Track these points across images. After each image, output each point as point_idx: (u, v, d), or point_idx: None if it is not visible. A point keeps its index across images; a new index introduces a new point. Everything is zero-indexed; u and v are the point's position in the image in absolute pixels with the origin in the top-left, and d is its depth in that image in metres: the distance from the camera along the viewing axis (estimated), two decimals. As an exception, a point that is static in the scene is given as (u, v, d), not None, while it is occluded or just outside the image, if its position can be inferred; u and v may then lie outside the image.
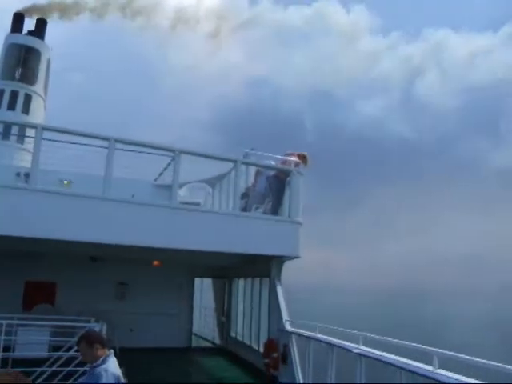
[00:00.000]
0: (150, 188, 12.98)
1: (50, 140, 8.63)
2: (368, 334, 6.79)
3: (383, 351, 6.14)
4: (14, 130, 15.42)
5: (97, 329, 7.67)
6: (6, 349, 8.64)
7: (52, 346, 9.41)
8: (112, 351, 4.09)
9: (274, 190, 9.78)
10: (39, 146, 7.83)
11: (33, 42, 16.70)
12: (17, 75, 16.64)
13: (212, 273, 14.99)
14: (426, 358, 5.18)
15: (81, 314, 9.60)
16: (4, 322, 8.07)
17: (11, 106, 16.48)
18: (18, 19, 18.76)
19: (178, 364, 11.82)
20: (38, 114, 16.09)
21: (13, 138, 15.74)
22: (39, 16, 20.53)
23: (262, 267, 10.37)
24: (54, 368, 7.28)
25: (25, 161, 11.08)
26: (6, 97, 16.73)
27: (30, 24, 19.26)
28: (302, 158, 9.83)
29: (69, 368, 7.20)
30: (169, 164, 11.15)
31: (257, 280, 11.35)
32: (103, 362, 3.90)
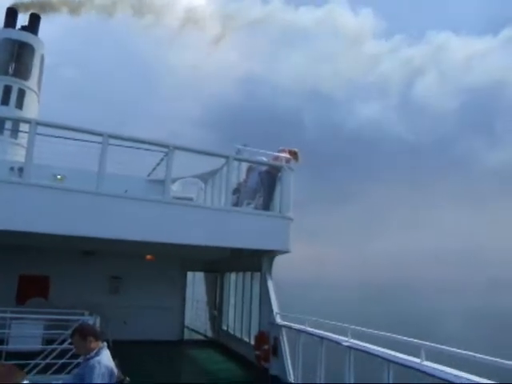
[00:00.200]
0: (143, 183, 13.03)
1: (43, 135, 8.67)
2: (357, 327, 6.92)
3: (372, 344, 6.27)
4: (8, 124, 15.37)
5: (90, 322, 7.71)
6: (0, 342, 8.75)
7: (46, 339, 9.45)
8: (105, 344, 4.16)
9: (265, 185, 9.89)
10: (33, 141, 7.84)
11: (26, 37, 16.63)
12: (10, 70, 16.56)
13: (204, 267, 15.11)
14: (413, 350, 5.27)
15: (74, 307, 9.67)
16: (-2, 315, 8.15)
17: (4, 101, 16.38)
18: (11, 14, 18.63)
19: (171, 356, 11.95)
20: (32, 109, 16.06)
21: (6, 133, 15.65)
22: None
23: (253, 261, 10.50)
24: (47, 361, 7.29)
25: (18, 155, 11.10)
26: (0, 92, 16.67)
27: (22, 19, 19.15)
28: (293, 154, 9.94)
29: (62, 360, 7.23)
30: (162, 159, 11.22)
31: (248, 274, 11.48)
32: (96, 354, 3.98)
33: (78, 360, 6.04)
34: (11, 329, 9.26)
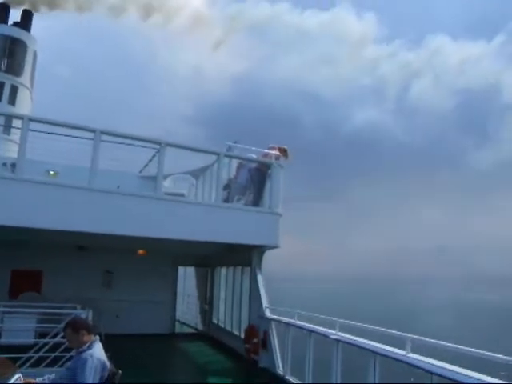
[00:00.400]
0: (135, 179, 13.09)
1: (36, 131, 8.72)
2: (344, 321, 7.03)
3: (359, 337, 6.39)
4: (0, 120, 15.33)
5: (83, 316, 7.78)
6: (-7, 335, 8.81)
7: (38, 333, 9.50)
8: (98, 337, 4.22)
9: (255, 182, 10.02)
10: (26, 137, 7.87)
11: (19, 33, 16.53)
12: (2, 66, 16.44)
13: (195, 262, 15.23)
14: (399, 343, 5.38)
15: (67, 301, 9.74)
16: (-10, 309, 8.19)
17: (-3, 97, 16.31)
18: (3, 10, 18.43)
19: (162, 349, 12.07)
20: (25, 105, 15.99)
21: (-1, 129, 15.64)
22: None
23: (244, 256, 10.63)
24: (40, 354, 7.30)
25: (11, 151, 11.10)
26: (-8, 88, 16.56)
27: (14, 15, 18.94)
28: (283, 151, 10.06)
29: (55, 354, 7.25)
30: (154, 156, 11.30)
31: (238, 269, 11.61)
32: (89, 347, 4.04)
33: (71, 353, 6.08)
34: (4, 322, 9.32)
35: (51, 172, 11.18)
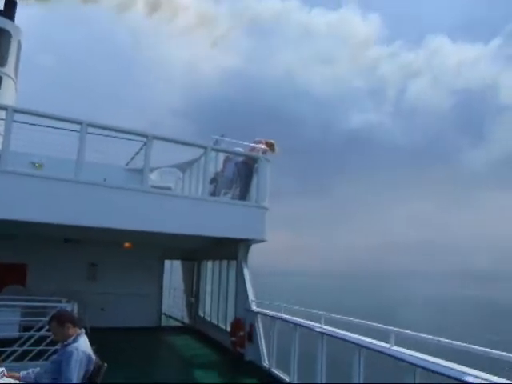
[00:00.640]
0: (122, 172, 13.03)
1: (21, 122, 8.61)
2: (330, 314, 7.11)
3: (344, 330, 6.44)
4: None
5: (68, 309, 7.72)
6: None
7: (23, 326, 9.45)
8: (83, 330, 4.20)
9: (242, 175, 10.03)
10: (10, 128, 7.78)
11: (3, 22, 16.25)
12: (-14, 56, 16.19)
13: (181, 255, 15.23)
14: (384, 336, 5.42)
15: (52, 294, 9.68)
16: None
17: (-20, 88, 16.05)
18: (-15, -1, 18.09)
19: (148, 343, 12.08)
20: (9, 96, 15.71)
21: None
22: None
23: (230, 250, 10.65)
24: (24, 348, 7.28)
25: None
26: (-25, 78, 16.28)
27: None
28: (270, 145, 10.08)
29: (40, 347, 7.24)
30: (141, 149, 11.24)
31: (224, 262, 11.64)
32: (74, 340, 4.02)
33: (56, 347, 6.07)
34: (-13, 316, 9.23)
35: (36, 164, 11.06)
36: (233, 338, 9.94)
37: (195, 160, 11.46)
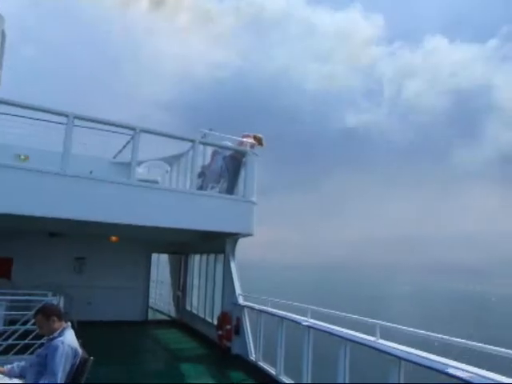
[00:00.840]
0: (109, 165, 12.94)
1: (5, 114, 8.49)
2: (316, 308, 7.15)
3: (330, 323, 6.49)
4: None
5: (54, 302, 7.66)
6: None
7: (8, 320, 9.39)
8: (69, 324, 4.18)
9: (229, 170, 10.01)
10: None
11: None
12: (-32, 47, 15.91)
13: (168, 249, 15.19)
14: (368, 329, 5.52)
15: (38, 288, 9.61)
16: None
17: (-38, 79, 15.77)
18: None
19: (135, 336, 12.07)
20: (-8, 86, 15.54)
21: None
22: None
23: (217, 244, 10.66)
24: (9, 341, 7.24)
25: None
26: (-43, 70, 15.99)
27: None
28: (258, 139, 10.06)
29: (25, 341, 7.21)
30: (128, 142, 11.16)
31: (212, 256, 11.65)
32: (60, 334, 4.01)
33: (42, 340, 6.05)
34: (-28, 310, 9.12)
35: (22, 156, 10.93)
36: (220, 332, 9.96)
37: (183, 154, 11.41)
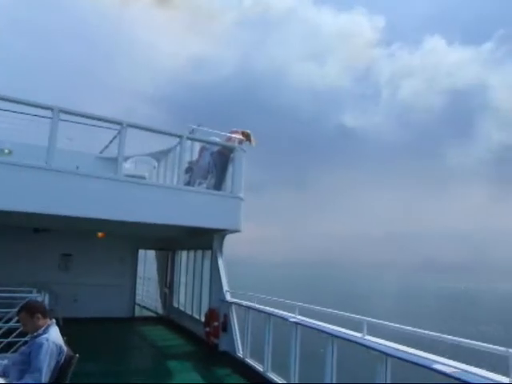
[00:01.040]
0: (95, 160, 12.81)
1: None
2: (303, 304, 7.15)
3: (318, 320, 6.50)
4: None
5: (39, 299, 7.59)
6: None
7: None
8: (54, 321, 4.13)
9: (217, 165, 9.97)
10: None
11: None
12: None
13: (156, 245, 15.11)
14: (357, 326, 5.51)
15: (22, 285, 9.49)
16: None
17: None
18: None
19: (121, 333, 12.00)
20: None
21: None
22: None
23: (205, 240, 10.62)
24: None
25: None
26: None
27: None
28: (246, 135, 10.02)
29: (8, 339, 7.12)
30: (115, 137, 11.03)
31: (199, 252, 11.59)
32: (44, 331, 3.95)
33: (25, 338, 5.97)
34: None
35: (5, 150, 10.75)
36: (207, 329, 9.92)
37: (170, 149, 11.33)
